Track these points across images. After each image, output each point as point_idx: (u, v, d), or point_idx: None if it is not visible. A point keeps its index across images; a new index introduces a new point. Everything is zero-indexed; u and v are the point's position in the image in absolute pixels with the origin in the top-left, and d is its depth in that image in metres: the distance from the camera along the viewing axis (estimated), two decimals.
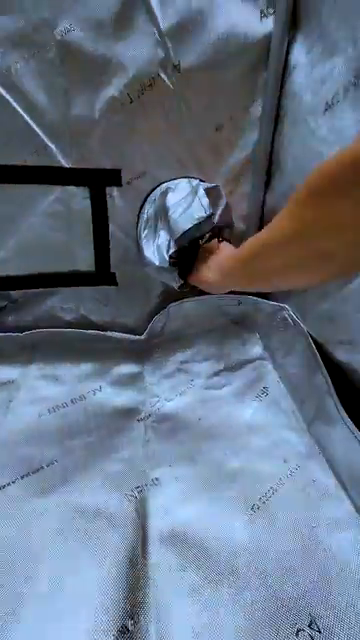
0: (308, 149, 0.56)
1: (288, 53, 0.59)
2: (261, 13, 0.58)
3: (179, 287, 0.70)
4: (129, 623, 0.36)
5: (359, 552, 0.41)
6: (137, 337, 0.75)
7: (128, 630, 0.35)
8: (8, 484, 0.48)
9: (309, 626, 0.36)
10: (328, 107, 0.51)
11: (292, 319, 0.68)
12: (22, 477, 0.49)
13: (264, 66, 0.61)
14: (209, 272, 0.57)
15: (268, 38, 0.59)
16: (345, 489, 0.48)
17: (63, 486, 0.49)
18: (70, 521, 0.44)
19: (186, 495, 0.48)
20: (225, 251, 0.60)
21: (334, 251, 0.31)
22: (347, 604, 0.37)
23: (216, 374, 0.70)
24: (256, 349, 0.74)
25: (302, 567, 0.40)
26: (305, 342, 0.64)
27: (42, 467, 0.51)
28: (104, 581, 0.39)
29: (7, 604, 0.37)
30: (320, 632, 0.35)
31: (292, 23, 0.57)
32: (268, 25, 0.58)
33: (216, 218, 0.65)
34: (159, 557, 0.42)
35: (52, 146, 0.64)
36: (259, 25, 0.58)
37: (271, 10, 0.57)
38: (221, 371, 0.70)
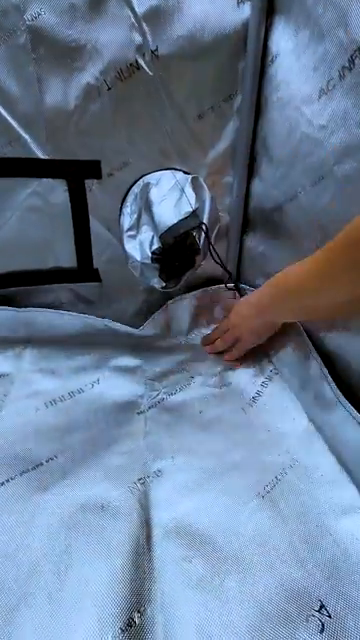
0: (304, 137, 0.55)
1: (267, 39, 0.59)
2: None
3: (162, 288, 0.69)
4: (135, 615, 0.35)
5: None
6: (133, 330, 0.74)
7: (135, 622, 0.34)
8: (7, 480, 0.46)
9: (319, 611, 0.35)
10: (323, 93, 0.50)
11: None
12: (21, 473, 0.47)
13: (244, 53, 0.60)
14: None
15: (246, 25, 0.58)
16: (350, 474, 0.48)
17: (64, 481, 0.47)
18: (72, 515, 0.43)
19: (189, 486, 0.48)
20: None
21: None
22: (357, 589, 0.37)
23: (217, 373, 0.70)
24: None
25: (309, 554, 0.40)
26: (295, 331, 0.64)
27: (41, 463, 0.49)
28: (109, 574, 0.38)
29: (11, 599, 0.36)
30: (330, 617, 0.35)
31: (270, 9, 0.57)
32: (246, 11, 0.58)
33: (205, 216, 0.63)
34: (164, 549, 0.41)
35: (26, 136, 0.61)
36: (237, 11, 0.57)
37: None
38: (222, 370, 0.70)
